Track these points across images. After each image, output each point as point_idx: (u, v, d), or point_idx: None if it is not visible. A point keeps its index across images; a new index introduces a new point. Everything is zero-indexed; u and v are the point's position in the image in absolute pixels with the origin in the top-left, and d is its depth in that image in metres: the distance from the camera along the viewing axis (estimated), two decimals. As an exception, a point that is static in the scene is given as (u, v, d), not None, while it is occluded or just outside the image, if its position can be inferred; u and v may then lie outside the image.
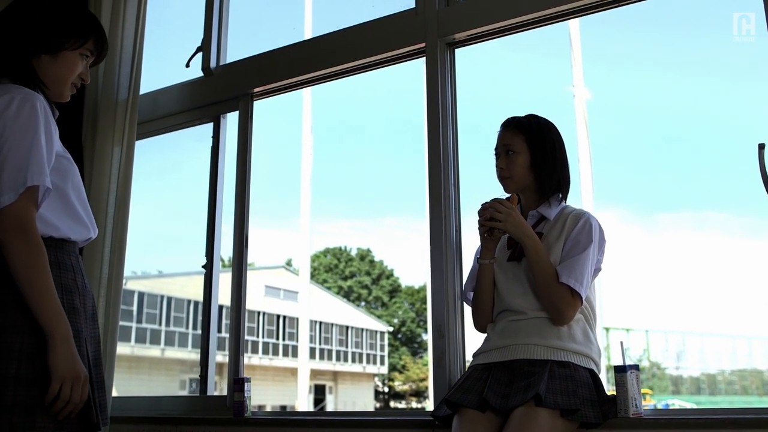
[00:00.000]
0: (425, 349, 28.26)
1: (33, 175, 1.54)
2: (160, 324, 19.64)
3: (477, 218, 2.07)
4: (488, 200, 2.04)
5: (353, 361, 26.28)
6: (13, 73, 1.67)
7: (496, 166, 2.12)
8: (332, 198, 34.43)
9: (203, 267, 2.98)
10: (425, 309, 28.11)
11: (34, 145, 1.56)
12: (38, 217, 1.59)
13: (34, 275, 1.52)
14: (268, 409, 19.86)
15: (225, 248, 2.99)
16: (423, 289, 29.09)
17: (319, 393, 24.79)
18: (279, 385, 22.53)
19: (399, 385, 28.12)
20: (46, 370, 1.50)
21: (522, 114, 2.14)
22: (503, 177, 2.10)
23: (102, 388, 1.68)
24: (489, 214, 2.01)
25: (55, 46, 1.70)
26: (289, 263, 26.98)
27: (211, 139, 3.08)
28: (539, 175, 2.08)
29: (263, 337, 23.00)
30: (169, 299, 19.88)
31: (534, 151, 2.07)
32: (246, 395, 2.59)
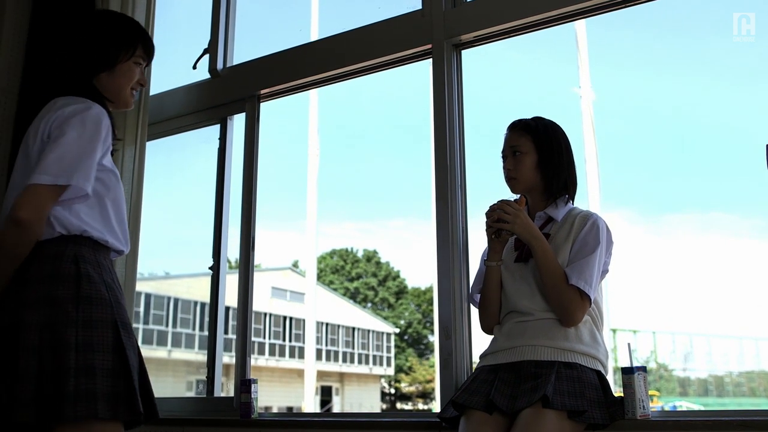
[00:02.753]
0: (432, 351, 28.24)
1: (79, 178, 1.62)
2: (166, 325, 19.67)
3: (484, 219, 2.07)
4: (496, 202, 2.04)
5: (360, 362, 26.28)
6: (76, 94, 1.75)
7: (503, 167, 2.13)
8: (339, 199, 34.49)
9: (210, 268, 2.99)
10: (432, 310, 28.09)
11: (89, 152, 1.65)
12: (80, 218, 1.67)
13: (8, 253, 1.61)
14: (275, 410, 19.87)
15: (232, 250, 3.00)
16: (429, 290, 29.09)
17: (326, 394, 24.79)
18: (285, 387, 22.54)
19: (405, 387, 28.10)
20: (110, 360, 1.58)
21: (528, 116, 2.15)
22: (510, 178, 2.10)
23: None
24: (497, 215, 2.01)
25: (110, 62, 1.81)
26: (295, 265, 27.01)
27: (217, 141, 3.08)
28: (546, 175, 2.08)
29: (270, 338, 23.01)
30: (176, 300, 19.92)
31: (541, 152, 2.07)
32: (253, 396, 2.59)
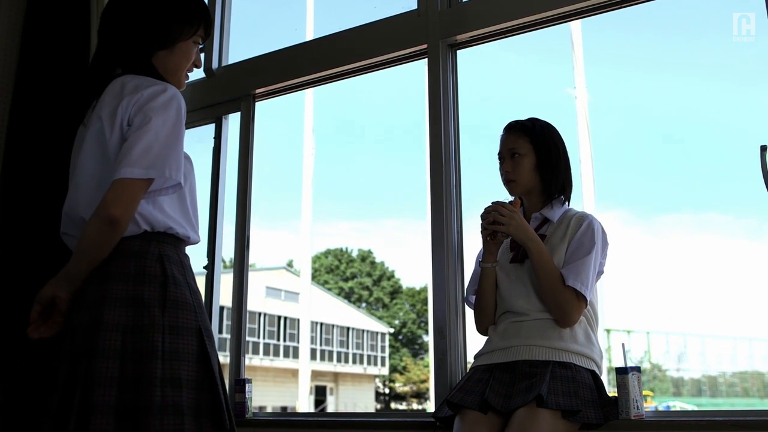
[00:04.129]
0: (426, 351, 28.25)
1: (171, 170, 1.51)
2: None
3: (479, 221, 2.07)
4: (490, 203, 2.04)
5: (354, 362, 26.28)
6: (135, 72, 1.65)
7: (501, 169, 2.12)
8: (333, 199, 34.51)
9: (204, 268, 2.98)
10: (426, 310, 28.11)
11: (175, 139, 1.55)
12: (164, 213, 1.58)
13: (94, 252, 1.49)
14: (269, 410, 19.85)
15: (226, 249, 2.99)
16: (424, 290, 29.09)
17: (320, 394, 24.77)
18: (280, 387, 22.52)
19: (400, 387, 28.10)
20: (194, 371, 1.50)
21: (523, 116, 2.15)
22: (509, 180, 2.10)
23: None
24: (492, 217, 2.01)
25: (170, 41, 1.69)
26: (290, 264, 26.99)
27: (212, 140, 3.08)
28: (544, 177, 2.08)
29: (264, 338, 22.99)
30: (171, 300, 19.85)
31: (539, 154, 2.07)
32: (247, 396, 2.59)
